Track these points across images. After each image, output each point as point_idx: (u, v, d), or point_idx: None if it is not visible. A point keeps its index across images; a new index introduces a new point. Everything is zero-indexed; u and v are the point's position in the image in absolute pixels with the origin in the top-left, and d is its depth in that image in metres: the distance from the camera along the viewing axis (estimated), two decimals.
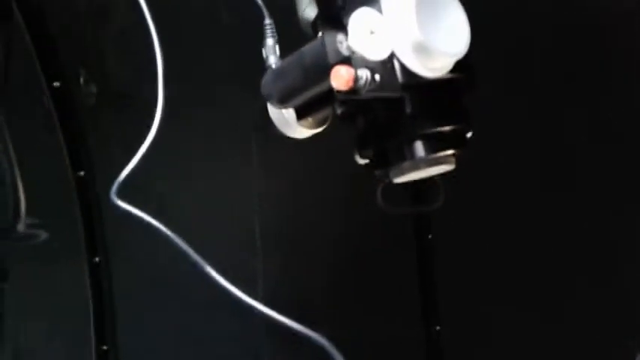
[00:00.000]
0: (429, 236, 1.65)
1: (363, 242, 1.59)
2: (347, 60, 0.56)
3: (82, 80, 1.47)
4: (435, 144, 0.63)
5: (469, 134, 0.65)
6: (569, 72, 1.31)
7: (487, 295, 1.53)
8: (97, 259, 1.43)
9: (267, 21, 0.68)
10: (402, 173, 0.64)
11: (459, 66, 0.61)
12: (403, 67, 0.59)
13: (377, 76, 0.56)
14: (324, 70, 0.57)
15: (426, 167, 0.64)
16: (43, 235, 0.81)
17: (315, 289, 1.56)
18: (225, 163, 1.51)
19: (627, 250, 1.32)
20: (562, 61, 1.30)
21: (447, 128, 0.63)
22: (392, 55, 0.58)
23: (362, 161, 0.66)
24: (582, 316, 1.38)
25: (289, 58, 0.64)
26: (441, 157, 0.63)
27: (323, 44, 0.57)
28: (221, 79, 1.46)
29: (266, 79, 0.66)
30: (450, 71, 0.61)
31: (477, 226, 1.54)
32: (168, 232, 0.53)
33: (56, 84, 1.44)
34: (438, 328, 1.64)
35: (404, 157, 0.63)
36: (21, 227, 0.75)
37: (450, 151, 0.64)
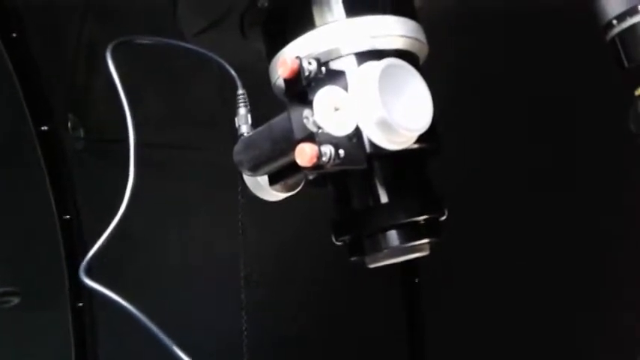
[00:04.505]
0: (416, 280, 1.65)
1: (348, 285, 1.59)
2: (312, 135, 0.57)
3: (70, 125, 1.48)
4: (409, 233, 0.64)
5: (443, 218, 0.65)
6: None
7: (476, 339, 1.53)
8: (80, 304, 1.43)
9: (240, 91, 0.69)
10: (377, 261, 0.65)
11: (424, 136, 0.62)
12: (369, 140, 0.60)
13: (341, 151, 0.58)
14: (291, 144, 0.58)
15: (401, 255, 0.65)
16: (14, 301, 0.81)
17: (299, 334, 1.55)
18: (210, 207, 1.51)
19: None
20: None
21: (421, 218, 0.64)
22: (358, 129, 0.60)
23: (338, 243, 0.67)
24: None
25: (259, 130, 0.66)
26: (415, 246, 0.64)
27: (289, 119, 0.59)
28: (209, 123, 1.48)
29: (237, 148, 0.68)
30: (415, 141, 0.63)
31: (465, 269, 1.54)
32: (136, 312, 0.53)
33: (44, 128, 1.45)
34: None
35: (379, 246, 0.64)
36: None
37: (425, 240, 0.64)
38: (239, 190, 1.46)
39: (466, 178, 1.38)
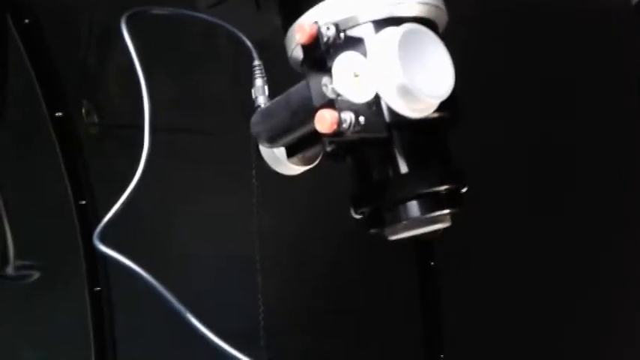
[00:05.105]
0: (432, 263, 1.64)
1: (364, 269, 1.58)
2: (332, 103, 0.56)
3: (84, 110, 1.48)
4: (430, 204, 0.62)
5: (464, 190, 0.64)
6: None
7: (492, 323, 1.52)
8: (98, 288, 1.43)
9: (257, 62, 0.68)
10: (397, 233, 0.64)
11: (444, 104, 0.61)
12: (388, 108, 0.59)
13: (361, 119, 0.57)
14: (310, 113, 0.57)
15: (421, 227, 0.63)
16: (35, 275, 0.82)
17: (314, 316, 1.55)
18: (225, 189, 1.51)
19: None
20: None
21: (442, 188, 0.63)
22: (377, 97, 0.59)
23: (357, 216, 0.66)
24: (590, 340, 1.37)
25: (277, 99, 0.65)
26: (436, 217, 0.63)
27: (308, 87, 0.58)
28: (220, 107, 1.48)
29: (255, 119, 0.67)
30: (435, 110, 0.62)
31: (481, 250, 1.53)
32: (150, 279, 0.53)
33: (58, 114, 1.46)
34: (442, 356, 1.63)
35: (399, 217, 0.62)
36: (10, 270, 0.75)
37: (446, 211, 0.63)
38: (252, 173, 1.46)
39: (481, 158, 1.37)
